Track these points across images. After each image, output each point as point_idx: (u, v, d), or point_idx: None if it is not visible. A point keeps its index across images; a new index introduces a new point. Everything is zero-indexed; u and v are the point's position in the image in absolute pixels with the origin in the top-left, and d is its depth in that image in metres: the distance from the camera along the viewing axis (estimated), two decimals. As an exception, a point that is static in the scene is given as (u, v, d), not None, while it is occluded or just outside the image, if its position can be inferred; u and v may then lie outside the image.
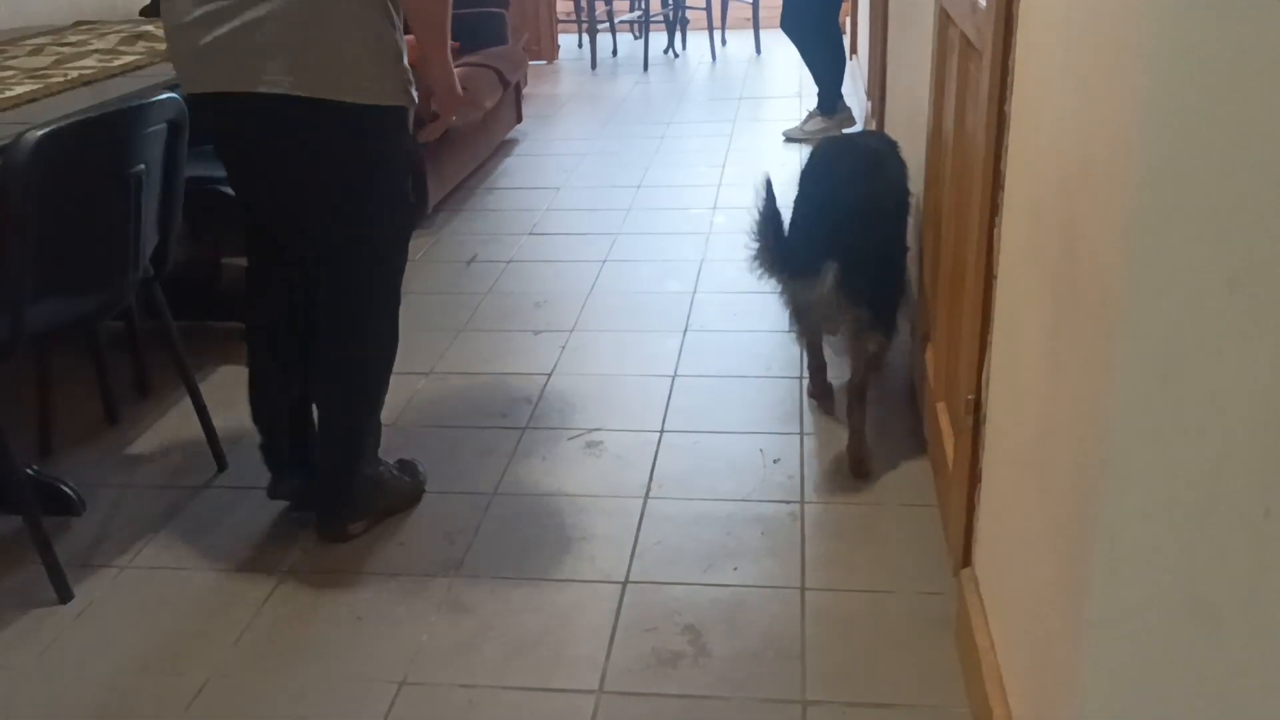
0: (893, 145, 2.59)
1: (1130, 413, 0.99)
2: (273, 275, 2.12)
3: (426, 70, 2.05)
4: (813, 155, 2.66)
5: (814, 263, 2.14)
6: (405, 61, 1.93)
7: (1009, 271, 1.53)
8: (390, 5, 1.89)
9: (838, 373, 2.63)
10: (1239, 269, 0.93)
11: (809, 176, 2.53)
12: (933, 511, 2.13)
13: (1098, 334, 1.04)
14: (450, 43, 2.05)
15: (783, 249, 2.22)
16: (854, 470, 2.28)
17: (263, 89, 1.80)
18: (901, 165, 2.52)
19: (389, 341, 2.11)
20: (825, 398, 2.59)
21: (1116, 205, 0.99)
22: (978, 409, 1.72)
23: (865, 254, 2.18)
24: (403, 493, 2.23)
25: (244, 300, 2.17)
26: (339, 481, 2.12)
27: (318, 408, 2.14)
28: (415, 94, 1.97)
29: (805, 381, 2.66)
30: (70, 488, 2.26)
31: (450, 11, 1.97)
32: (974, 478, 1.76)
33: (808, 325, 2.45)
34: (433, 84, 2.08)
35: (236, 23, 1.79)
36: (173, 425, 2.61)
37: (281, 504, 2.24)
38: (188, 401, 2.40)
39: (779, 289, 2.33)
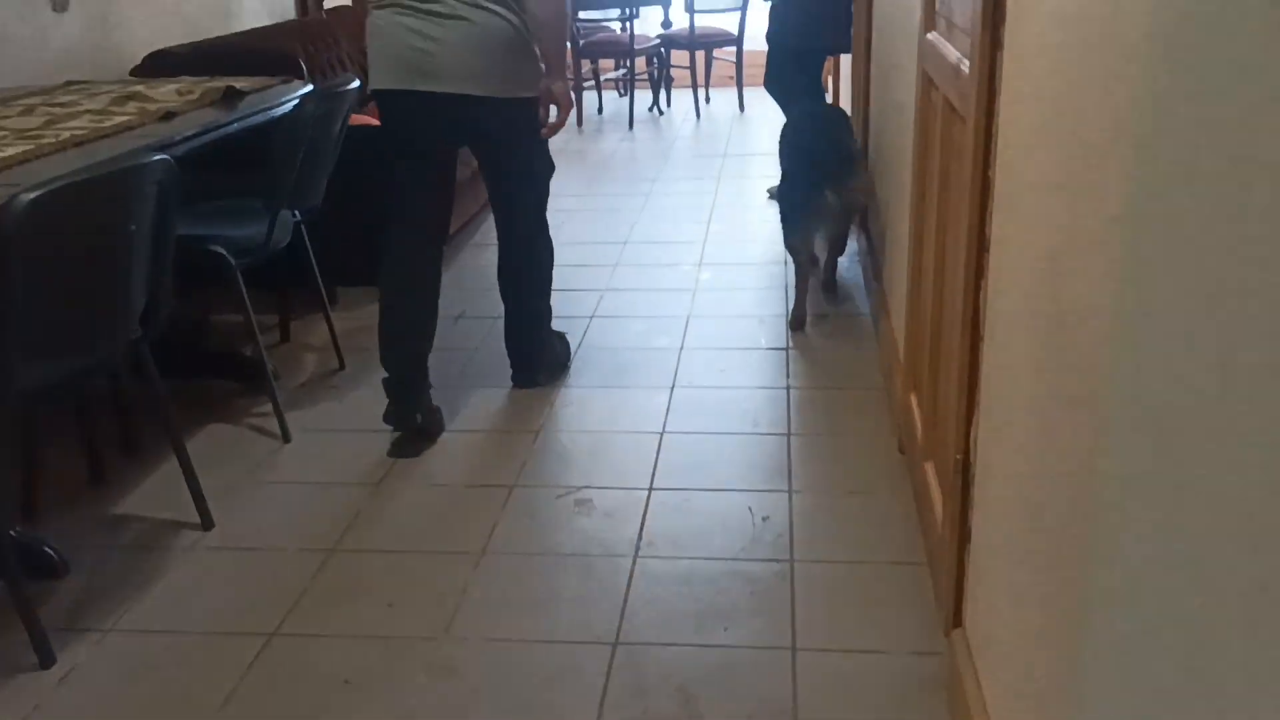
0: (843, 113, 3.99)
1: (1122, 476, 1.00)
2: (419, 257, 2.81)
3: (550, 79, 2.76)
4: (792, 121, 3.93)
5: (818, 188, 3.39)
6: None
7: (996, 333, 1.55)
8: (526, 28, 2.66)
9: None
10: (1229, 340, 0.94)
11: (795, 133, 3.81)
12: (922, 570, 2.13)
13: (1088, 399, 1.05)
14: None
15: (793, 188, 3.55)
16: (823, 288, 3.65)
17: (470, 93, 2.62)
18: (849, 122, 3.87)
19: (550, 251, 3.02)
20: (813, 272, 3.65)
21: (1103, 274, 1.00)
22: (966, 469, 1.73)
23: (842, 172, 3.46)
24: (561, 354, 3.17)
25: (383, 273, 2.83)
26: (534, 344, 3.06)
27: (511, 302, 3.01)
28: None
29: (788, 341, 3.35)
30: (54, 550, 2.24)
31: (569, 33, 2.83)
32: (963, 537, 1.76)
33: (806, 238, 3.50)
34: (555, 89, 2.78)
35: (441, 40, 2.57)
36: (159, 485, 2.59)
37: (270, 567, 2.24)
38: (174, 461, 2.39)
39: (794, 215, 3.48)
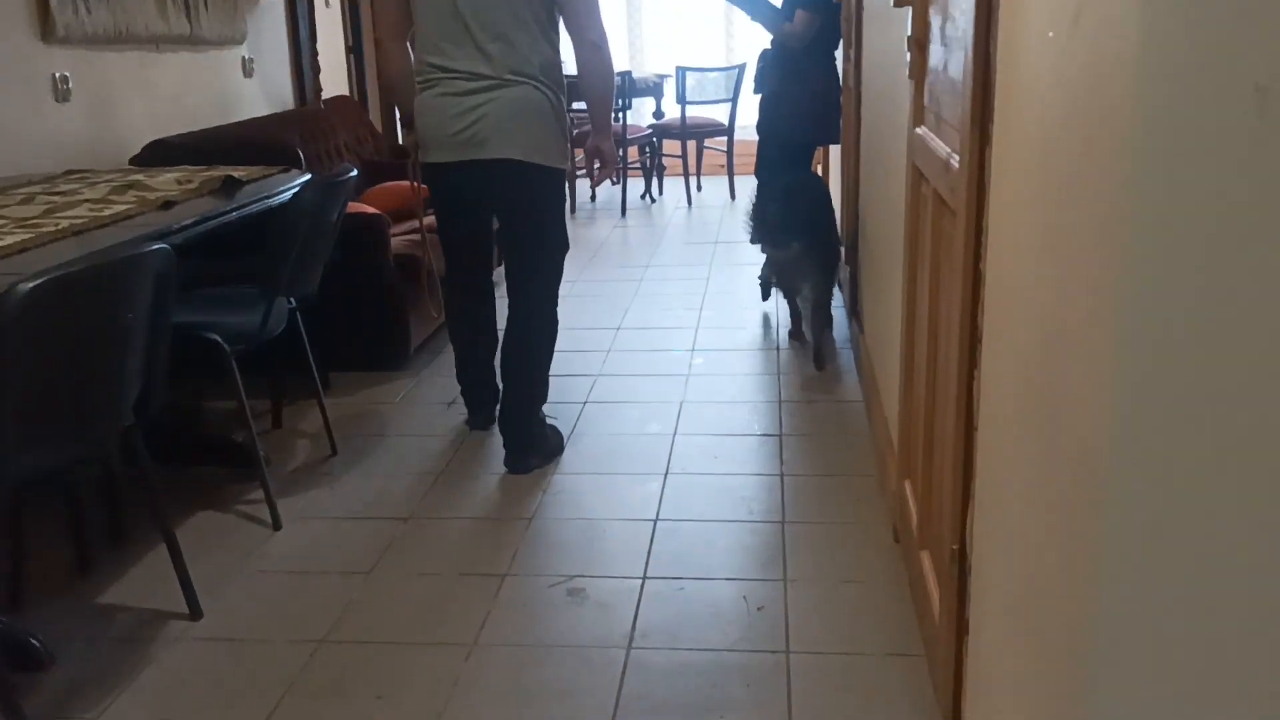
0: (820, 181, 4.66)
1: (1121, 568, 1.00)
2: (473, 299, 3.27)
3: (598, 139, 3.14)
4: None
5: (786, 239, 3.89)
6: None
7: (990, 423, 1.55)
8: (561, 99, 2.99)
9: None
10: (1227, 429, 0.95)
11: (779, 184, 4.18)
12: (920, 662, 2.11)
13: (1084, 490, 1.06)
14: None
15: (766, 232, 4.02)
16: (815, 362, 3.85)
17: (503, 157, 2.91)
18: (827, 189, 4.43)
19: (555, 326, 3.15)
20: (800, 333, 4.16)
21: (1097, 365, 1.01)
22: (963, 559, 1.72)
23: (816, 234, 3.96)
24: (556, 442, 3.21)
25: (448, 315, 3.37)
26: (523, 429, 3.10)
27: (509, 381, 3.11)
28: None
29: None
30: (38, 641, 2.20)
31: (613, 100, 3.17)
32: (961, 628, 1.75)
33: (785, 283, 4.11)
34: (602, 147, 3.16)
35: (486, 114, 2.89)
36: (147, 574, 2.56)
37: (258, 658, 2.21)
38: (163, 549, 2.37)
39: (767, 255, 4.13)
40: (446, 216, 3.16)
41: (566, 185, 3.09)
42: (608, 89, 3.06)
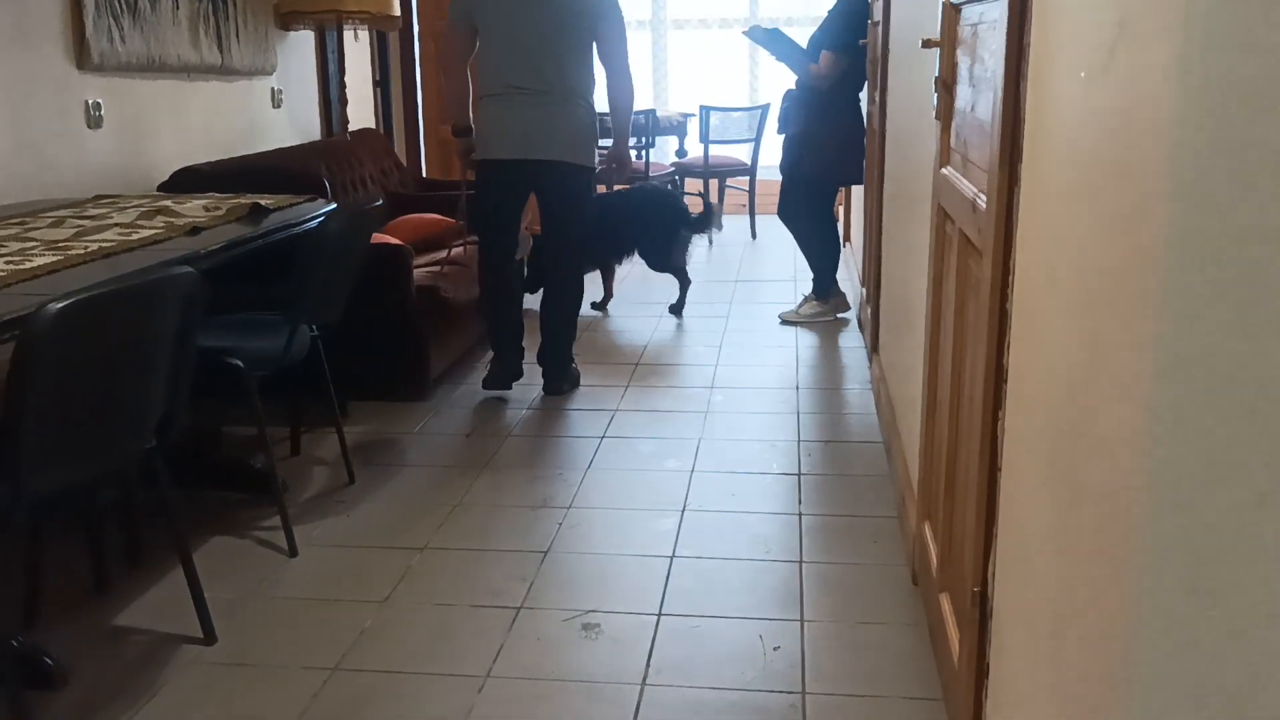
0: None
1: (1153, 614, 0.98)
2: (504, 263, 3.96)
3: (618, 147, 4.02)
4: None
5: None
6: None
7: (1014, 464, 1.54)
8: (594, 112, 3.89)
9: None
10: (1267, 481, 0.93)
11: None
12: (937, 706, 2.08)
13: (1114, 536, 1.04)
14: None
15: None
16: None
17: (551, 158, 3.79)
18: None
19: (581, 286, 4.10)
20: None
21: (1130, 410, 1.01)
22: (984, 601, 1.70)
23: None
24: (577, 377, 4.13)
25: (482, 279, 4.00)
26: (558, 362, 4.04)
27: (547, 326, 4.02)
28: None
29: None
30: (53, 660, 2.20)
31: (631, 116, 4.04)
32: (981, 672, 1.73)
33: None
34: (620, 153, 4.05)
35: (539, 122, 3.75)
36: (162, 596, 2.56)
37: (271, 685, 2.20)
38: (179, 571, 2.37)
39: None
40: (494, 202, 3.87)
41: (593, 179, 4.00)
42: (630, 105, 3.95)
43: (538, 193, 3.89)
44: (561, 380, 4.03)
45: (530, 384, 4.12)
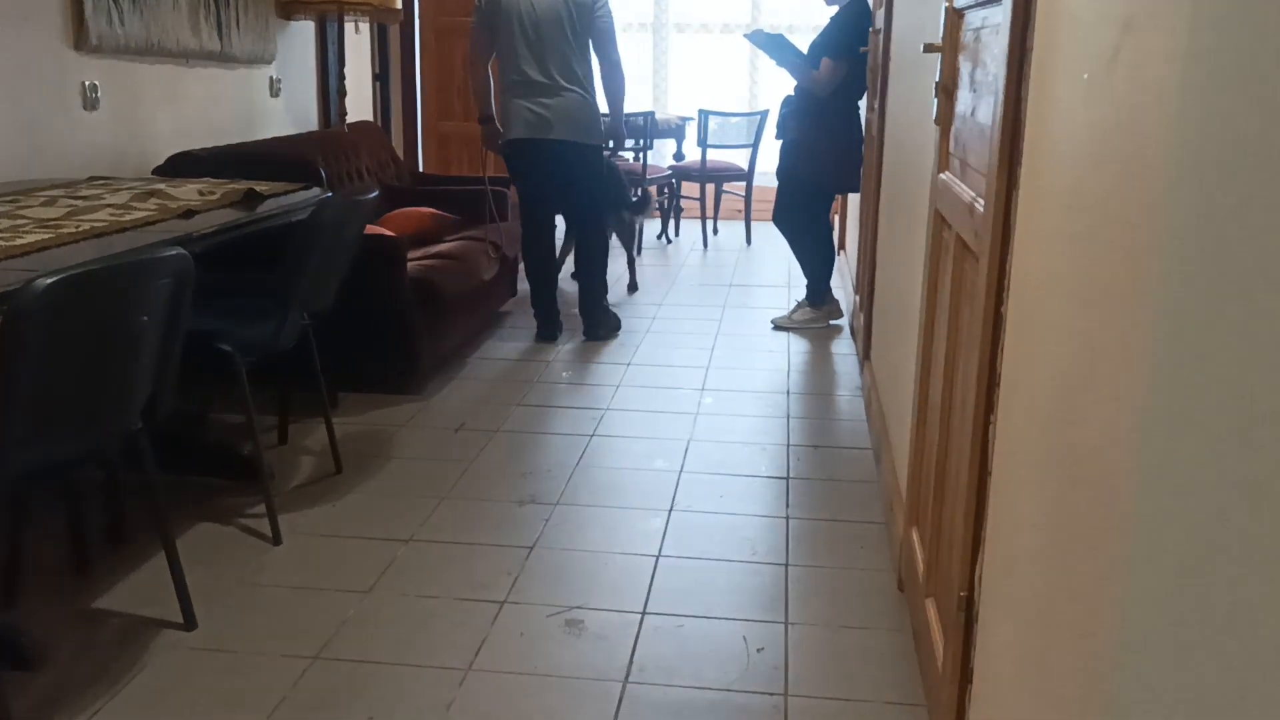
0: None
1: (1136, 620, 0.98)
2: (544, 232, 4.73)
3: (614, 125, 4.73)
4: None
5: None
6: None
7: (1004, 469, 1.54)
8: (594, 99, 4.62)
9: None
10: (1264, 490, 0.92)
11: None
12: (920, 711, 2.08)
13: (1104, 542, 1.04)
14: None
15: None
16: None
17: (564, 138, 4.51)
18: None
19: (606, 243, 4.92)
20: None
21: (1125, 416, 1.00)
22: (970, 606, 1.69)
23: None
24: (615, 321, 4.90)
25: (524, 249, 4.79)
26: (595, 310, 4.79)
27: (583, 282, 4.84)
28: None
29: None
30: (30, 640, 2.18)
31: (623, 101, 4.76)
32: (965, 678, 1.72)
33: None
34: (617, 132, 4.76)
35: (551, 108, 4.48)
36: (144, 579, 2.54)
37: (250, 672, 2.18)
38: (161, 556, 2.35)
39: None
40: (521, 172, 4.63)
41: (604, 153, 4.77)
42: (622, 93, 4.69)
43: (557, 169, 4.51)
44: (599, 326, 4.76)
45: (511, 381, 4.12)
